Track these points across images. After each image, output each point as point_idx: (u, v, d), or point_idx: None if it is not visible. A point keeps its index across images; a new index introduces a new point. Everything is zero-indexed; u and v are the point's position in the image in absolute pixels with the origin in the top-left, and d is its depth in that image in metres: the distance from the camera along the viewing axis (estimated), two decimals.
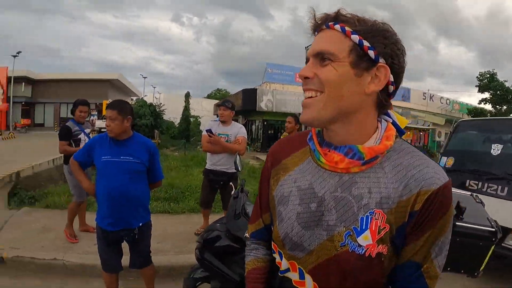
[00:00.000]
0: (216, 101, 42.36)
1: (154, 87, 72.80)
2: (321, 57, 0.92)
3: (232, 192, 3.39)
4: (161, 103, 29.26)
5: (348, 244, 0.92)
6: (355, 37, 0.88)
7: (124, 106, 3.08)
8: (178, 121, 33.18)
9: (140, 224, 3.20)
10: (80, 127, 5.28)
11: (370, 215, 0.90)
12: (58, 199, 7.61)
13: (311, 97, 0.95)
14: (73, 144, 5.08)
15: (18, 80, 38.19)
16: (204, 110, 42.70)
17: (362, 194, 0.92)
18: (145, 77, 56.32)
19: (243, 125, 25.58)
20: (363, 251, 0.90)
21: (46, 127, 40.94)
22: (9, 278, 4.48)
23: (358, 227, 0.91)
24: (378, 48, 0.89)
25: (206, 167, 5.36)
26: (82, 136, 5.21)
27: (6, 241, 5.20)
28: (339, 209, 0.94)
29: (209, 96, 72.15)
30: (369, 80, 0.91)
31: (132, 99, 41.96)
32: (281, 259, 1.07)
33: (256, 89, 24.52)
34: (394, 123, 1.00)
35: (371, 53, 0.89)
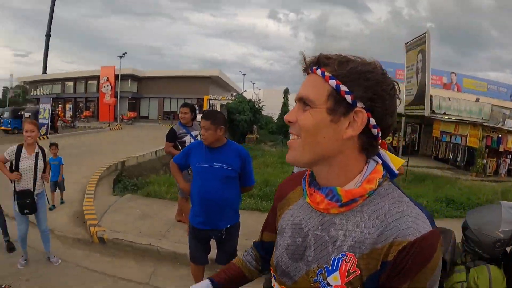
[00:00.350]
0: None
1: (253, 83, 74.40)
2: (303, 102, 0.93)
3: None
4: (260, 99, 29.73)
5: (319, 281, 0.93)
6: (333, 82, 0.88)
7: (216, 116, 3.22)
8: (277, 116, 33.50)
9: (228, 226, 3.34)
10: (186, 129, 5.35)
11: (341, 257, 0.89)
12: (158, 188, 8.15)
13: (294, 139, 0.97)
14: (179, 146, 5.20)
15: (125, 77, 41.79)
16: None
17: (338, 235, 0.91)
18: (244, 74, 57.98)
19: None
20: None
21: (150, 119, 44.26)
22: (108, 256, 5.04)
23: (329, 266, 0.91)
24: (356, 92, 0.87)
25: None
26: (187, 138, 5.28)
27: (108, 224, 5.81)
28: (316, 247, 0.96)
29: None
30: (346, 125, 0.89)
31: (232, 95, 43.34)
32: (275, 282, 1.11)
33: None
34: (385, 165, 0.97)
35: (348, 97, 0.87)
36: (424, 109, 12.88)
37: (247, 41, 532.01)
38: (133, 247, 5.12)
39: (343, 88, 0.87)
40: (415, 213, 0.86)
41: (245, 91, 52.93)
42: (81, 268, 4.62)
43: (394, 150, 15.94)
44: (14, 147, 4.38)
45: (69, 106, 40.04)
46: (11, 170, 4.32)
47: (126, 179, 9.80)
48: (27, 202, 4.30)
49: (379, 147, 0.97)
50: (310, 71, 0.95)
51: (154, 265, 4.79)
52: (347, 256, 0.88)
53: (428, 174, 13.22)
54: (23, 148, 4.36)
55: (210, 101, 38.71)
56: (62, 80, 49.88)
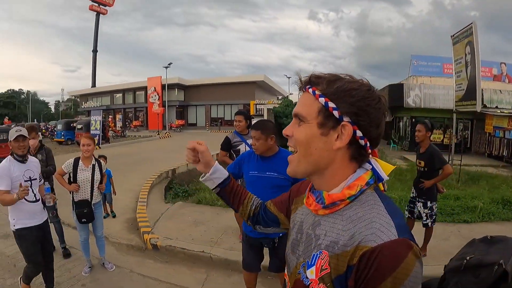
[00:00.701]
0: None
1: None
2: (298, 118, 1.05)
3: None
4: None
5: (301, 273, 1.04)
6: (322, 100, 0.99)
7: (266, 126, 3.25)
8: None
9: (281, 234, 3.30)
10: (241, 137, 5.30)
11: (319, 254, 0.98)
12: (209, 195, 8.19)
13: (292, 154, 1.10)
14: (234, 155, 5.17)
15: (172, 86, 43.07)
16: None
17: (320, 234, 1.02)
18: (289, 77, 57.80)
19: (390, 121, 24.50)
20: (308, 283, 1.00)
21: (198, 126, 45.42)
22: (161, 263, 5.11)
23: (310, 261, 1.01)
24: (342, 108, 0.97)
25: None
26: (242, 146, 5.23)
27: (161, 231, 5.91)
28: (305, 243, 1.08)
29: None
30: (335, 138, 0.99)
31: (278, 98, 43.35)
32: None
33: (403, 84, 23.03)
34: (374, 171, 1.04)
35: (336, 113, 0.98)
36: (476, 104, 12.23)
37: (289, 43, 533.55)
38: (186, 254, 5.16)
39: (331, 104, 0.98)
40: (383, 221, 0.89)
41: (290, 94, 53.06)
42: (135, 274, 4.70)
43: (446, 148, 15.26)
44: (71, 160, 4.54)
45: (119, 116, 41.56)
46: (69, 182, 4.50)
47: (177, 186, 10.00)
48: (84, 211, 4.48)
49: (370, 155, 1.05)
50: (304, 89, 1.07)
51: (207, 271, 4.81)
52: (322, 253, 0.97)
53: (482, 173, 12.55)
54: (80, 160, 4.53)
55: (257, 105, 38.92)
56: (111, 92, 52.25)
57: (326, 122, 0.99)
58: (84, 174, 4.52)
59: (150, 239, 5.52)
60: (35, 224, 3.73)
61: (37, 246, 3.76)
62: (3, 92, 73.38)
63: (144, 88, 47.04)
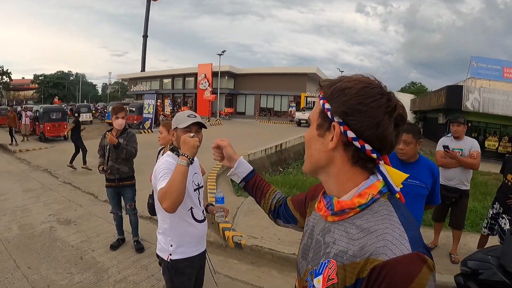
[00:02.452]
0: (411, 96, 40.79)
1: None
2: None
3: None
4: None
5: (308, 281, 1.03)
6: (321, 102, 1.01)
7: (418, 129, 3.17)
8: None
9: None
10: None
11: (327, 262, 0.95)
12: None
13: None
14: None
15: (222, 74, 43.00)
16: None
17: (329, 242, 0.98)
18: (342, 71, 57.01)
19: (444, 123, 23.50)
20: None
21: (246, 115, 45.33)
22: (247, 264, 4.84)
23: (318, 269, 0.98)
24: (333, 108, 0.96)
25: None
26: None
27: (243, 228, 5.64)
28: (314, 249, 1.05)
29: (402, 90, 69.61)
30: (330, 139, 0.98)
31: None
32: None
33: (462, 86, 21.64)
34: (385, 181, 0.98)
35: (329, 114, 0.97)
36: None
37: (336, 36, 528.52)
38: (274, 256, 4.87)
39: (327, 105, 0.98)
40: (396, 233, 0.84)
41: None
42: (222, 276, 4.44)
43: (500, 157, 14.40)
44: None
45: (167, 101, 41.97)
46: None
47: None
48: (149, 201, 3.98)
49: (380, 161, 0.98)
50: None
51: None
52: (330, 262, 0.93)
53: None
54: (161, 150, 4.24)
55: (307, 98, 38.47)
56: (160, 77, 53.22)
57: (323, 123, 1.00)
58: None
59: (232, 236, 5.26)
60: (199, 252, 2.66)
61: (193, 280, 2.71)
62: (53, 73, 75.97)
63: (194, 75, 47.39)
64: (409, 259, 0.79)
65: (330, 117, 0.97)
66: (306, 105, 36.49)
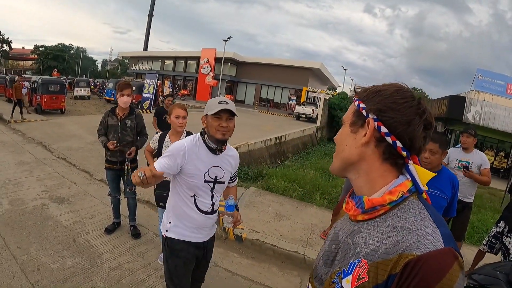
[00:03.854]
0: None
1: (352, 79, 73.64)
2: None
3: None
4: None
5: (335, 282, 1.00)
6: (356, 103, 1.07)
7: (445, 140, 3.17)
8: None
9: None
10: None
11: (357, 262, 0.94)
12: (279, 183, 7.90)
13: None
14: None
15: (225, 60, 42.74)
16: None
17: (359, 242, 0.97)
18: (346, 69, 57.17)
19: (443, 132, 23.47)
20: None
21: (246, 104, 45.01)
22: (247, 259, 4.66)
23: (346, 270, 0.97)
24: (368, 106, 1.01)
25: None
26: None
27: (244, 221, 5.36)
28: (342, 252, 1.04)
29: None
30: (363, 135, 1.02)
31: (329, 88, 42.66)
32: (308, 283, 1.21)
33: (465, 97, 21.80)
34: (413, 180, 0.99)
35: (364, 111, 1.02)
36: None
37: (341, 34, 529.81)
38: (276, 252, 4.70)
39: (362, 105, 1.04)
40: (429, 229, 0.86)
41: (338, 86, 54.07)
42: (222, 270, 4.27)
43: (495, 172, 14.42)
44: (156, 136, 3.99)
45: (167, 83, 41.66)
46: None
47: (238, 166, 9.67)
48: (164, 194, 3.67)
49: (409, 161, 1.00)
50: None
51: (299, 275, 4.37)
52: (361, 261, 0.92)
53: None
54: (166, 136, 3.93)
55: (309, 92, 38.34)
56: (162, 58, 52.82)
57: (356, 120, 1.04)
58: None
59: (233, 229, 5.02)
60: (196, 240, 2.56)
61: (190, 267, 2.61)
62: (54, 45, 75.06)
63: (197, 58, 46.90)
64: (443, 254, 0.81)
65: (365, 114, 1.01)
66: (307, 99, 36.29)
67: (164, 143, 3.89)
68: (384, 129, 0.97)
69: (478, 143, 22.04)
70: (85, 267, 3.89)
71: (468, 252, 5.27)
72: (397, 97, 0.98)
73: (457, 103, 20.99)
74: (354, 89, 1.13)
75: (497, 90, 24.58)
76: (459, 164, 4.96)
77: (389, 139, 0.97)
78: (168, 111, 4.05)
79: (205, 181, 2.41)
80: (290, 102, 40.30)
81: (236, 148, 10.01)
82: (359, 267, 0.93)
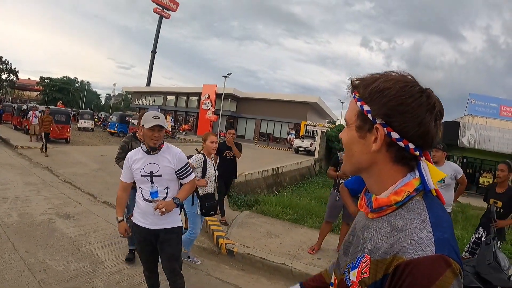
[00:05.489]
0: None
1: None
2: (346, 122, 1.08)
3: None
4: None
5: (345, 274, 1.04)
6: (359, 104, 1.01)
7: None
8: None
9: None
10: None
11: (362, 257, 0.97)
12: (273, 208, 8.20)
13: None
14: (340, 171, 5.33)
15: (226, 96, 43.40)
16: None
17: (367, 238, 1.01)
18: (343, 102, 57.88)
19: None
20: (349, 284, 0.99)
21: (246, 139, 45.24)
22: (238, 270, 4.97)
23: (354, 263, 1.00)
24: (374, 111, 0.96)
25: None
26: None
27: (236, 238, 5.76)
28: (355, 245, 1.08)
29: None
30: (373, 140, 0.98)
31: (328, 122, 43.03)
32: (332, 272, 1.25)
33: (459, 122, 22.25)
34: (422, 177, 0.98)
35: (370, 116, 0.97)
36: None
37: (340, 68, 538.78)
38: (264, 264, 5.01)
39: (366, 108, 0.98)
40: (423, 234, 0.85)
41: (337, 119, 54.63)
42: (213, 278, 4.56)
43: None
44: (200, 156, 4.75)
45: (169, 118, 42.28)
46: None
47: (235, 195, 9.92)
48: (214, 203, 4.63)
49: (421, 158, 1.00)
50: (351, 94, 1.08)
51: (286, 284, 4.59)
52: (365, 257, 0.96)
53: None
54: (206, 157, 4.80)
55: (307, 126, 38.79)
56: (164, 94, 53.74)
57: (363, 125, 1.00)
58: (211, 170, 4.79)
59: (225, 244, 5.38)
60: (144, 226, 3.12)
61: (144, 247, 3.24)
62: (59, 77, 76.23)
63: (198, 94, 47.88)
64: (432, 261, 0.79)
65: (371, 119, 0.97)
66: (305, 133, 36.70)
67: (207, 163, 4.82)
68: (395, 135, 0.94)
69: (477, 166, 22.24)
70: (88, 270, 4.21)
71: None
72: (403, 97, 0.93)
73: (451, 128, 21.32)
74: (351, 82, 1.07)
75: (491, 113, 24.77)
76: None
77: (401, 143, 0.95)
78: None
79: (142, 176, 3.05)
80: (289, 136, 40.66)
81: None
82: (363, 262, 0.95)
